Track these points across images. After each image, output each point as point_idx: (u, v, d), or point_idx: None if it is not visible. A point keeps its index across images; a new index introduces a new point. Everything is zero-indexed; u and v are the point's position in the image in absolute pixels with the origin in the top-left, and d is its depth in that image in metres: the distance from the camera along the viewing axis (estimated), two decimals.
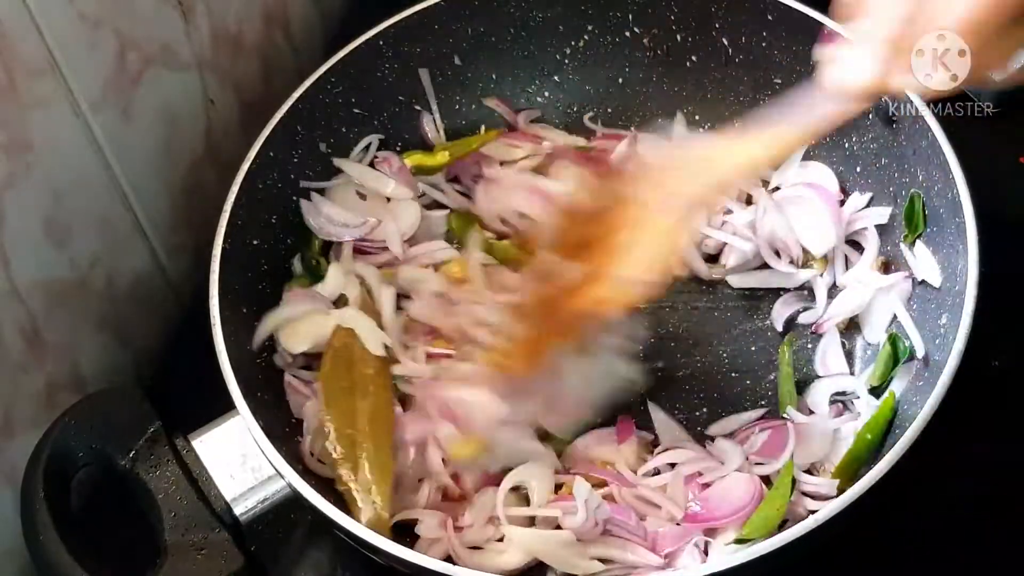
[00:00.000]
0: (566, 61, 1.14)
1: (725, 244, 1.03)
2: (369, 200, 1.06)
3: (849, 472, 0.86)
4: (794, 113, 0.77)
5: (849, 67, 0.73)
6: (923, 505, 0.91)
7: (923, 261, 0.94)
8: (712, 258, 1.04)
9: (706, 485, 0.88)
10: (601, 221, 0.82)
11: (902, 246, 0.97)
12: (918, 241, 0.96)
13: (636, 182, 0.83)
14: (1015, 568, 0.89)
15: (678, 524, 0.86)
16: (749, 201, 1.05)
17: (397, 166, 1.07)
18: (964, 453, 0.90)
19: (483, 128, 1.13)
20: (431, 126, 1.12)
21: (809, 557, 0.80)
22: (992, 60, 0.71)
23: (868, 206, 1.01)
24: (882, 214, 0.99)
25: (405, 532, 0.88)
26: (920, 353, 0.90)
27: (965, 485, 0.91)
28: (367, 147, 1.09)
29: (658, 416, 0.94)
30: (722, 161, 0.81)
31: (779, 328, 1.00)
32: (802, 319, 1.00)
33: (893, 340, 0.93)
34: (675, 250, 0.84)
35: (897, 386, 0.91)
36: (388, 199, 1.06)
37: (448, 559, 0.84)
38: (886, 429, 0.87)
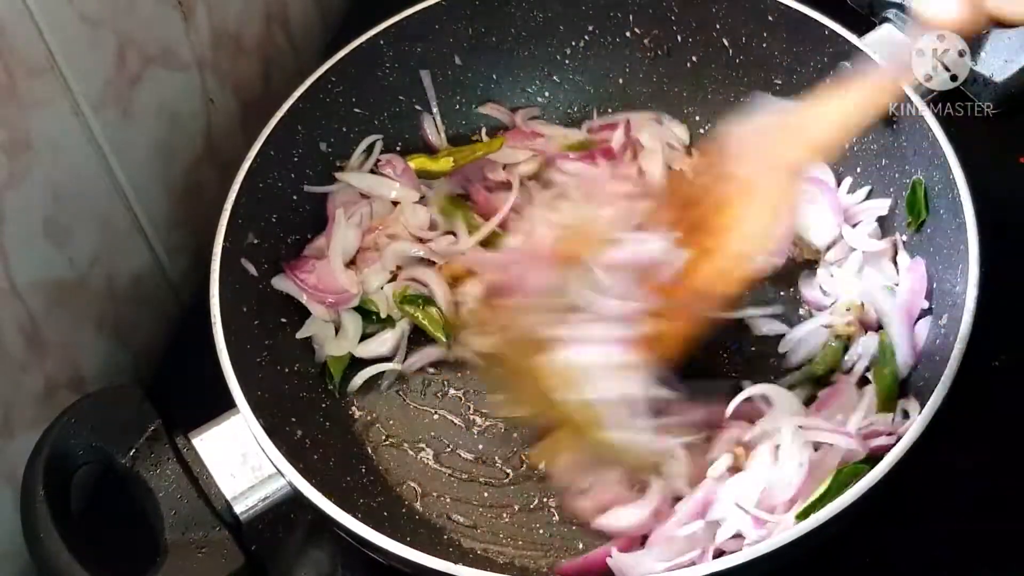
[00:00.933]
0: (566, 61, 1.14)
1: None
2: (375, 203, 1.06)
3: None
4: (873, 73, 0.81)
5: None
6: (923, 506, 0.91)
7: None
8: None
9: None
10: (703, 201, 0.85)
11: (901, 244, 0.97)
12: (902, 251, 0.97)
13: (734, 158, 0.85)
14: (1015, 568, 0.89)
15: None
16: None
17: (401, 168, 1.07)
18: (964, 453, 0.90)
19: (483, 129, 1.14)
20: (432, 127, 1.12)
21: (809, 557, 0.80)
22: None
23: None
24: (882, 205, 0.99)
25: (404, 532, 0.88)
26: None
27: (965, 485, 0.91)
28: (368, 149, 1.09)
29: None
30: (813, 125, 0.84)
31: None
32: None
33: None
34: (782, 220, 0.87)
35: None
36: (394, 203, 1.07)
37: None
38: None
